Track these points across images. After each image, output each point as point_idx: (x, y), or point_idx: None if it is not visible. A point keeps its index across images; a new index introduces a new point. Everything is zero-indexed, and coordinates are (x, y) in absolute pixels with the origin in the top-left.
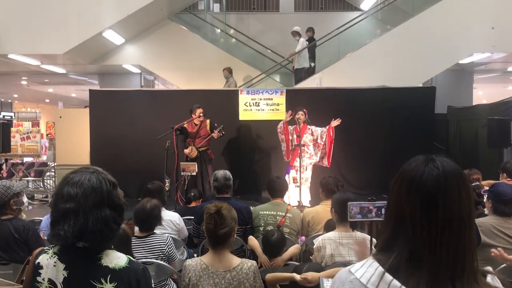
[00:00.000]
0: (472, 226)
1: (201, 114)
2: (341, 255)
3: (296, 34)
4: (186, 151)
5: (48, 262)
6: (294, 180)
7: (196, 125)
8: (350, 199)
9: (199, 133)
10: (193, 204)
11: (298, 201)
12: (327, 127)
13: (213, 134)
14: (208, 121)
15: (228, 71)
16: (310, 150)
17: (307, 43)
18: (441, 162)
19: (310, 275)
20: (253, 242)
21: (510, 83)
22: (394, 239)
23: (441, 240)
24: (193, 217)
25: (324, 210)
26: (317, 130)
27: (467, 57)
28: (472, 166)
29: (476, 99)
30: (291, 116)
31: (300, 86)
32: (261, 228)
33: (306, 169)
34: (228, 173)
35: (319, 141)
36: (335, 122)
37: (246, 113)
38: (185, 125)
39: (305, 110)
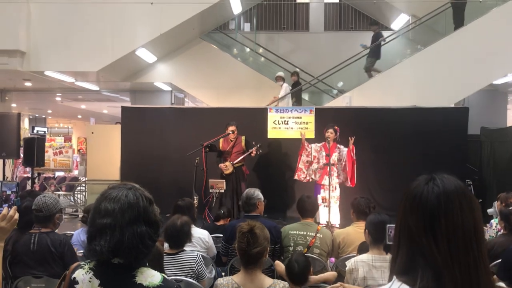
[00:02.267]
0: (480, 240)
1: (232, 131)
2: (373, 278)
3: (280, 79)
4: (222, 165)
5: (83, 277)
6: (324, 199)
7: (231, 141)
8: (385, 221)
9: (233, 150)
10: (221, 222)
11: (327, 221)
12: (347, 149)
13: (251, 152)
14: (243, 137)
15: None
16: (338, 169)
17: (290, 88)
18: (441, 179)
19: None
20: (280, 268)
21: None
22: (413, 259)
23: (450, 255)
24: (221, 235)
25: (355, 231)
26: (344, 150)
27: (501, 77)
28: (507, 189)
29: (511, 120)
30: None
31: (329, 105)
32: (291, 248)
33: (335, 189)
34: (252, 192)
35: (342, 161)
36: (351, 142)
37: (274, 131)
38: (220, 142)
39: (336, 127)
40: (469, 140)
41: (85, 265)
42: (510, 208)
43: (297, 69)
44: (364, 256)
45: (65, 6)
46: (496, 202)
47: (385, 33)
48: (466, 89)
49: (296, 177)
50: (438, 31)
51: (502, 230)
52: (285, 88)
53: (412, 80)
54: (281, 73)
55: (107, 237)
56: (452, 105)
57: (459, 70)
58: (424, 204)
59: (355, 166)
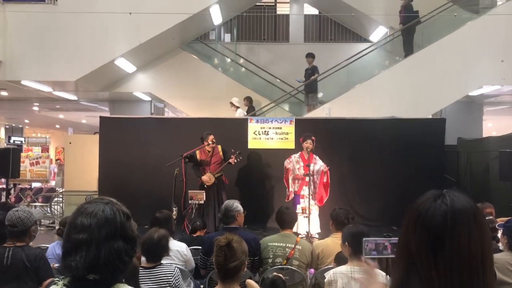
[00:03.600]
0: (488, 266)
1: (213, 142)
2: None
3: (233, 105)
4: (205, 178)
5: None
6: (303, 210)
7: (208, 152)
8: (363, 232)
9: (211, 160)
10: (198, 233)
11: (306, 232)
12: (322, 168)
13: (230, 160)
14: (219, 147)
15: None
16: (315, 180)
17: (245, 113)
18: (451, 197)
19: None
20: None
21: None
22: (408, 277)
23: (451, 280)
24: (198, 247)
25: (334, 242)
26: (319, 163)
27: (476, 89)
28: (484, 199)
29: (486, 131)
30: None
31: (309, 116)
32: (270, 260)
33: (314, 199)
34: (230, 204)
35: (315, 175)
36: (326, 168)
37: (255, 142)
38: (196, 154)
39: (313, 138)
40: (446, 151)
41: (59, 281)
42: (486, 218)
43: (250, 96)
44: (343, 268)
45: (42, 15)
46: None
47: (364, 45)
48: (443, 100)
49: (288, 199)
50: (416, 43)
51: None
52: (239, 113)
53: (391, 91)
54: (235, 99)
55: (83, 253)
56: (430, 116)
57: (436, 82)
58: (428, 222)
59: (328, 189)
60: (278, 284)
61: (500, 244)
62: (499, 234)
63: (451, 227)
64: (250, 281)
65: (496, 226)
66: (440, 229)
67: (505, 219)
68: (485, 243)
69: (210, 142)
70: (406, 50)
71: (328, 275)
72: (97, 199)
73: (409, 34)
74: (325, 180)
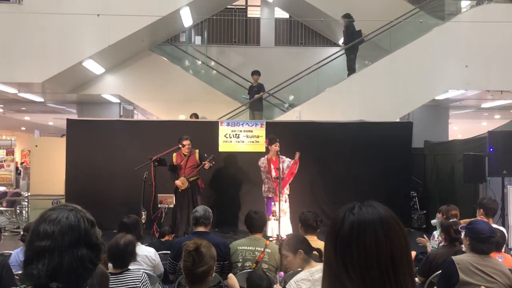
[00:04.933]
0: (400, 269)
1: (188, 145)
2: None
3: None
4: (178, 182)
5: None
6: (273, 213)
7: (185, 155)
8: (304, 238)
9: (187, 164)
10: (166, 238)
11: (277, 235)
12: (292, 161)
13: (203, 165)
14: (197, 151)
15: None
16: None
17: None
18: (360, 207)
19: None
20: (233, 281)
21: (484, 119)
22: (331, 284)
23: (364, 285)
24: (167, 252)
25: None
26: (286, 160)
27: (442, 93)
28: (449, 201)
29: (452, 134)
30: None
31: (280, 119)
32: (239, 264)
33: (286, 201)
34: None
35: (285, 171)
36: (297, 156)
37: (226, 145)
38: (173, 157)
39: (278, 140)
40: (414, 153)
41: None
42: (451, 220)
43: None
44: (302, 274)
45: (7, 15)
46: (438, 214)
47: (334, 49)
48: (410, 104)
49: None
50: (384, 48)
51: (443, 242)
52: None
53: (359, 95)
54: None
55: (46, 261)
56: (398, 120)
57: (403, 86)
58: (337, 232)
59: (292, 178)
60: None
61: (463, 246)
62: (463, 236)
63: (357, 235)
64: (231, 275)
65: (459, 228)
66: (346, 237)
67: (467, 220)
68: (396, 249)
69: (186, 145)
70: (350, 70)
71: (293, 285)
72: (61, 206)
73: (352, 53)
74: (293, 171)
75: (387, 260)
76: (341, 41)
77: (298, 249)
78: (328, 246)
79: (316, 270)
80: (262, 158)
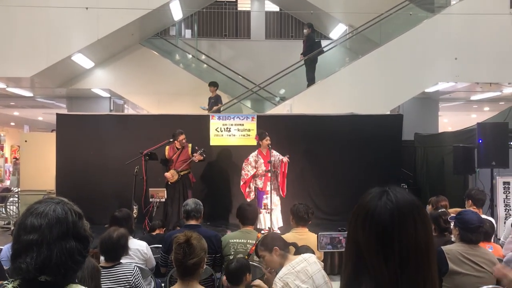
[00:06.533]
0: (431, 258)
1: (183, 141)
2: (304, 281)
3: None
4: (168, 174)
5: None
6: (265, 206)
7: (177, 149)
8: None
9: (179, 158)
10: (157, 232)
11: (269, 227)
12: (281, 158)
13: (194, 158)
14: (190, 145)
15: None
16: (277, 174)
17: None
18: (395, 194)
19: None
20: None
21: (473, 111)
22: (358, 273)
23: (401, 274)
24: (159, 245)
25: (295, 237)
26: (276, 156)
27: (432, 86)
28: (439, 192)
29: (442, 127)
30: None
31: (270, 113)
32: (231, 257)
33: (278, 194)
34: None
35: (277, 168)
36: (285, 159)
37: (217, 139)
38: (166, 150)
39: (267, 133)
40: (404, 146)
41: (8, 284)
42: (439, 210)
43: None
44: (284, 269)
45: None
46: (428, 205)
47: (324, 42)
48: (400, 96)
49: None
50: (374, 41)
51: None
52: None
53: (350, 88)
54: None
55: (34, 254)
56: (388, 112)
57: (393, 79)
58: (377, 221)
59: (285, 178)
60: (239, 261)
61: (452, 236)
62: (452, 226)
63: (398, 224)
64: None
65: (448, 218)
66: (388, 226)
67: (458, 209)
68: (429, 236)
69: (183, 140)
70: (309, 80)
71: (279, 283)
72: (48, 199)
73: (312, 63)
74: (283, 170)
75: (424, 246)
76: (333, 33)
77: (273, 246)
78: (361, 236)
79: (296, 262)
80: (252, 154)
